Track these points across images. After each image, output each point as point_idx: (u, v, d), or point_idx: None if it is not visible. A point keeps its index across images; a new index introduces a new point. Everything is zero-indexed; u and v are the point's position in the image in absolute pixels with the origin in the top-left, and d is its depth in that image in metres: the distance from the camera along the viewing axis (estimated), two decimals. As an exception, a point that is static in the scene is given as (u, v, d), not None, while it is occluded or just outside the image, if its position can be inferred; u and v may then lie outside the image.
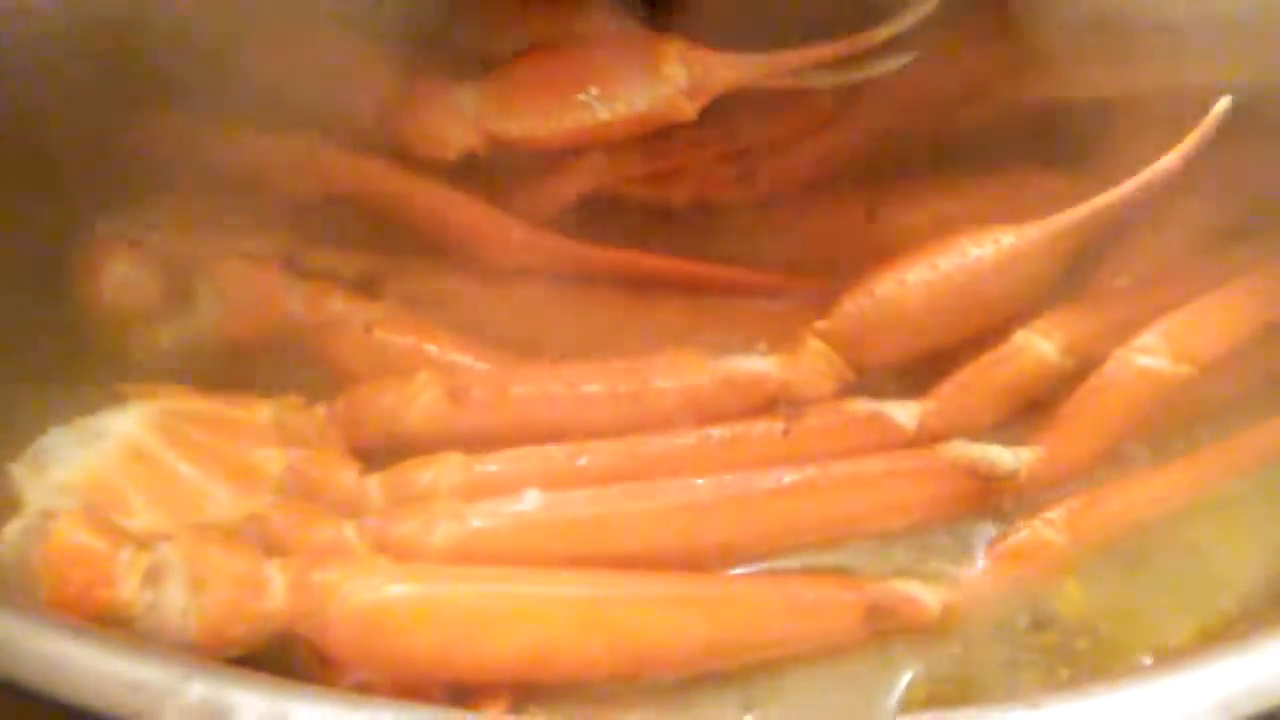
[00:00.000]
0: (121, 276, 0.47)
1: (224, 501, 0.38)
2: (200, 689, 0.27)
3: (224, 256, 0.48)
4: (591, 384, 0.46)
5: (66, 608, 0.34)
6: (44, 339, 0.45)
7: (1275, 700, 0.29)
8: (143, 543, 0.35)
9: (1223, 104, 0.46)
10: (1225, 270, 0.49)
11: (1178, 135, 0.48)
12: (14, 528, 0.35)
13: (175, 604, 0.35)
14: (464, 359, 0.48)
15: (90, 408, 0.41)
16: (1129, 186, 0.48)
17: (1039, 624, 0.43)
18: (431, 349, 0.48)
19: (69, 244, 0.47)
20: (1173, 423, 0.48)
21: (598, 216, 0.52)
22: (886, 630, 0.42)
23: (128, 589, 0.34)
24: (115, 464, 0.37)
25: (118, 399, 0.41)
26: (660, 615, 0.41)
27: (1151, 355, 0.47)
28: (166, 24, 0.46)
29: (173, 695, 0.26)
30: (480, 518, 0.42)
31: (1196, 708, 0.29)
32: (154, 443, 0.38)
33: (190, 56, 0.46)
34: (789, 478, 0.45)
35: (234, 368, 0.47)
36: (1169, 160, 0.47)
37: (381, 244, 0.51)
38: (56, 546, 0.34)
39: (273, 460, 0.41)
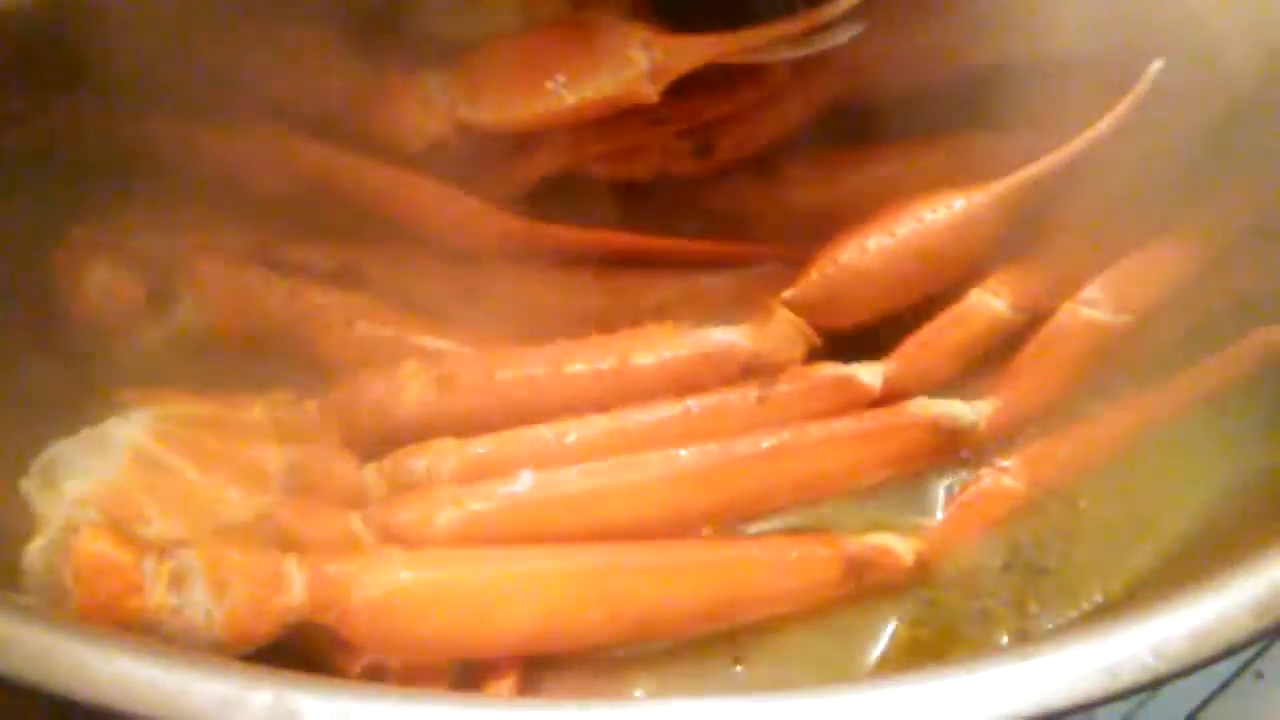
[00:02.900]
0: (102, 282, 0.47)
1: (234, 502, 0.40)
2: (267, 696, 0.28)
3: (202, 256, 0.48)
4: (573, 363, 0.48)
5: (96, 618, 0.35)
6: (28, 348, 0.45)
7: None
8: (163, 549, 0.37)
9: (1155, 67, 0.49)
10: (1158, 223, 0.53)
11: (1114, 94, 0.50)
12: (38, 544, 0.36)
13: (200, 606, 0.36)
14: (447, 345, 0.49)
15: (85, 415, 0.42)
16: (1068, 150, 0.50)
17: (1009, 566, 0.46)
18: (414, 338, 0.49)
19: (46, 252, 0.47)
20: (1121, 369, 0.51)
21: (565, 197, 0.53)
22: (866, 583, 0.45)
23: (155, 596, 0.35)
24: (126, 473, 0.38)
25: (115, 406, 0.42)
26: (655, 582, 0.43)
27: (1095, 307, 0.50)
28: (128, 19, 0.45)
29: (240, 704, 0.28)
30: (478, 501, 0.43)
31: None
32: (160, 449, 0.39)
33: (154, 53, 0.46)
34: (766, 443, 0.47)
35: (219, 366, 0.48)
36: (1105, 123, 0.49)
37: (356, 235, 0.51)
38: (84, 559, 0.35)
39: (273, 458, 0.42)
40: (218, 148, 0.49)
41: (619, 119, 0.51)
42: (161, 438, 0.40)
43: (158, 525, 0.37)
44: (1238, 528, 0.44)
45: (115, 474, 0.38)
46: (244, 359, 0.48)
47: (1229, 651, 0.32)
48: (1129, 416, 0.50)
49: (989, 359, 0.50)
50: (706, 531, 0.46)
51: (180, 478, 0.39)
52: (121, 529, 0.36)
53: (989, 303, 0.50)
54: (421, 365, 0.47)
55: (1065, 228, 0.53)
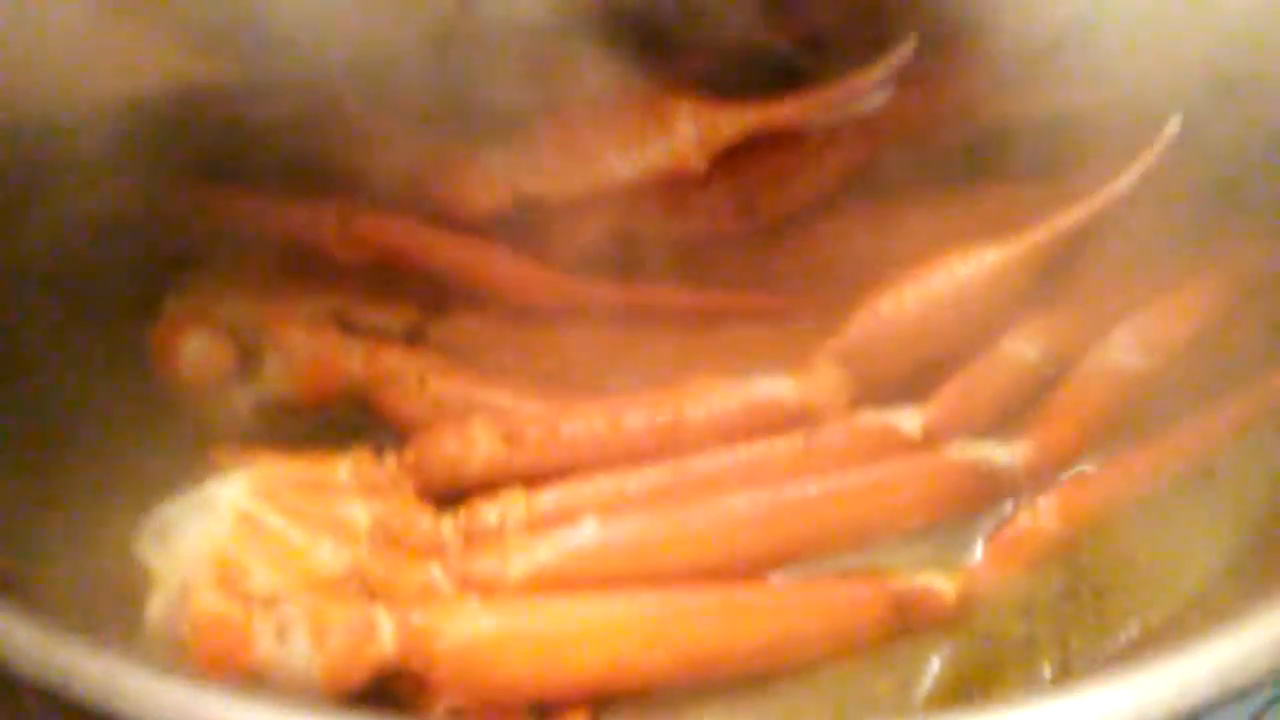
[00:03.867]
0: (196, 350, 0.51)
1: (327, 556, 0.43)
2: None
3: (284, 322, 0.52)
4: (632, 415, 0.51)
5: (210, 669, 0.38)
6: (132, 416, 0.49)
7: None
8: (267, 603, 0.40)
9: (1174, 124, 0.52)
10: (1184, 268, 0.55)
11: (1140, 143, 0.53)
12: (157, 602, 0.40)
13: (301, 657, 0.39)
14: (513, 401, 0.52)
15: (187, 476, 0.45)
16: (1095, 201, 0.52)
17: (1048, 603, 0.49)
18: (481, 393, 0.52)
19: (146, 326, 0.51)
20: (1153, 408, 0.52)
21: (621, 256, 0.56)
22: (911, 621, 0.47)
23: (263, 648, 0.39)
24: (230, 531, 0.42)
25: (213, 467, 0.45)
26: (713, 624, 0.46)
27: (1123, 351, 0.52)
28: (216, 101, 0.49)
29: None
30: (547, 549, 0.46)
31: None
32: (259, 508, 0.43)
33: (239, 132, 0.50)
34: (814, 488, 0.49)
35: (302, 424, 0.51)
36: (1127, 178, 0.52)
37: (424, 297, 0.55)
38: (201, 616, 0.39)
39: (358, 512, 0.45)
40: (295, 221, 0.53)
41: (667, 183, 0.55)
42: (260, 496, 0.43)
43: (261, 580, 0.41)
44: (1275, 558, 0.46)
45: (222, 532, 0.41)
46: (325, 417, 0.51)
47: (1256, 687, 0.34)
48: (1163, 454, 0.51)
49: (1026, 402, 0.53)
50: (759, 573, 0.49)
51: (279, 534, 0.43)
52: (231, 585, 0.40)
53: (1021, 350, 0.53)
54: (489, 420, 0.50)
55: (1094, 273, 0.55)
